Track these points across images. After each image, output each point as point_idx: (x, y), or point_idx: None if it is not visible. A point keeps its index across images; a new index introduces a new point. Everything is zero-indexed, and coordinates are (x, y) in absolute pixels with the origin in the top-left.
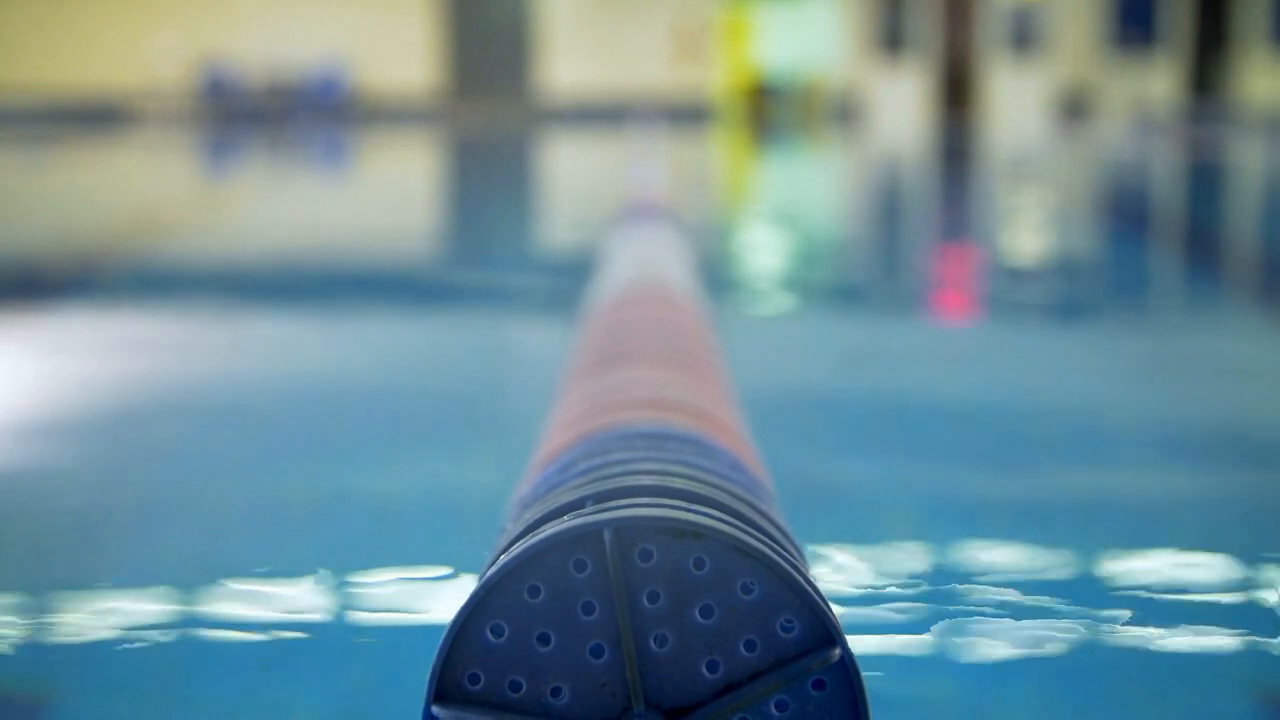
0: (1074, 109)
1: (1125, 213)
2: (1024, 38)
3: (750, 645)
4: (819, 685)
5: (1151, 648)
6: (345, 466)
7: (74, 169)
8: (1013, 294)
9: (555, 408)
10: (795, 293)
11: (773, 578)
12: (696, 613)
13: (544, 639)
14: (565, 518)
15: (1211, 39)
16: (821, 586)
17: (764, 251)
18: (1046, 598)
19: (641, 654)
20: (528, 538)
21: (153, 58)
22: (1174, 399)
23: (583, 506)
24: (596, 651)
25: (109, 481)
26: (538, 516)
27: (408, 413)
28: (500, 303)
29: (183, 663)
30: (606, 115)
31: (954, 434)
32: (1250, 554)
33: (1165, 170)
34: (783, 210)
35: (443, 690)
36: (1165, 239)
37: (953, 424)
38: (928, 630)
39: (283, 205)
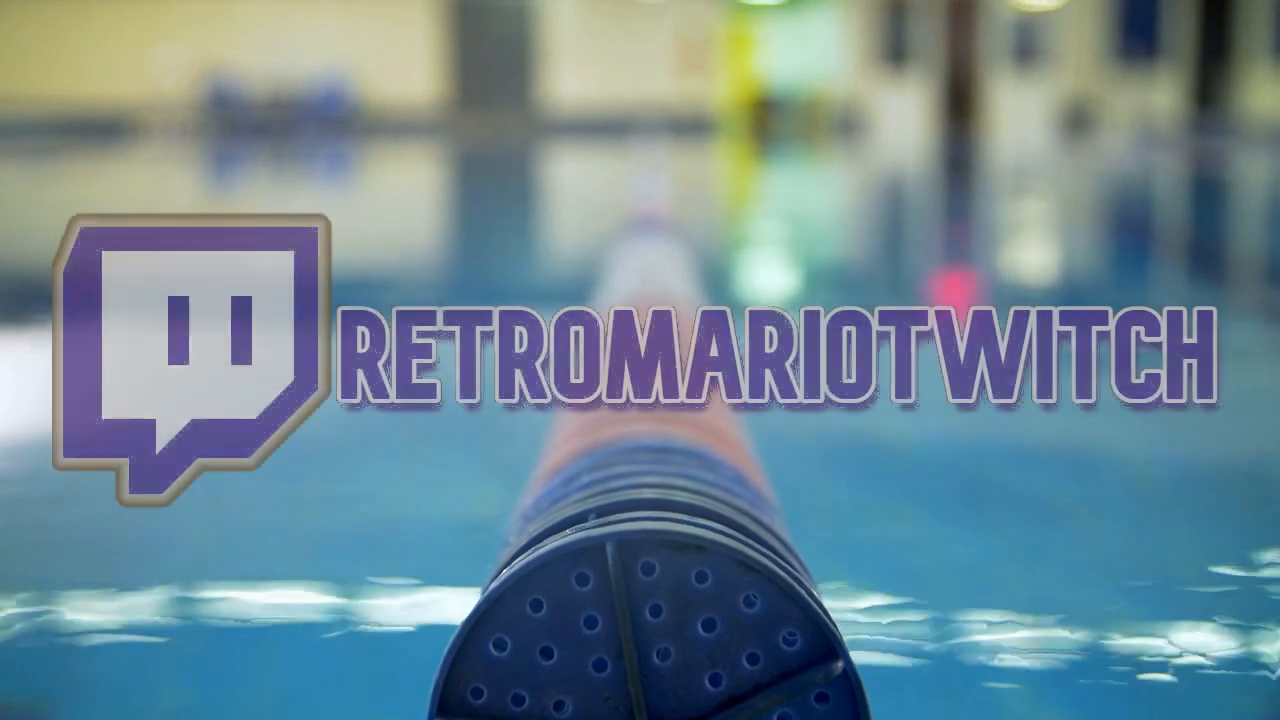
0: (1077, 121)
1: (1130, 226)
2: (1027, 50)
3: (753, 659)
4: (822, 699)
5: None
6: (349, 478)
7: (78, 181)
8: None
9: (558, 419)
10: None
11: (775, 591)
12: (699, 626)
13: (547, 653)
14: (568, 531)
15: (1214, 52)
16: (824, 599)
17: (766, 268)
18: (1050, 617)
19: (644, 668)
20: (530, 551)
21: (157, 70)
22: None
23: (585, 520)
24: (599, 665)
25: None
26: (540, 530)
27: (410, 422)
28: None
29: (182, 674)
30: (610, 127)
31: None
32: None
33: (1169, 183)
34: (786, 224)
35: (445, 704)
36: (1170, 252)
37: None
38: (930, 644)
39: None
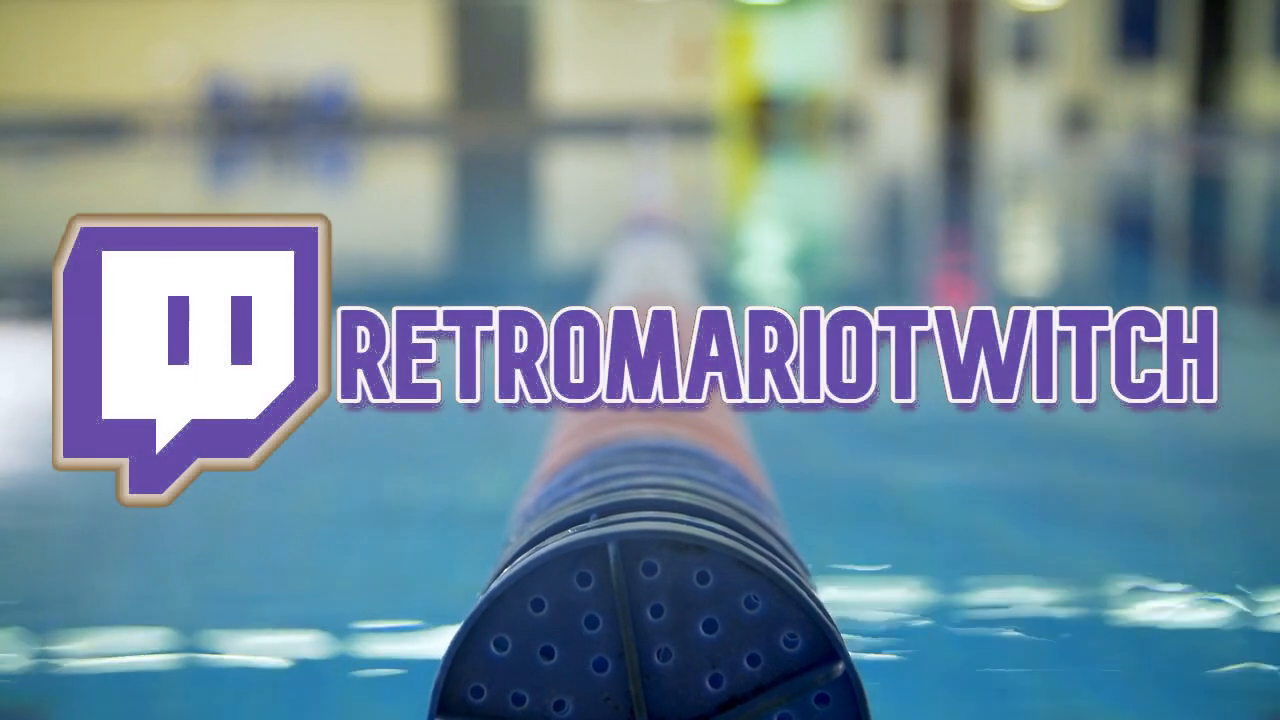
0: (1077, 121)
1: (1129, 226)
2: (1027, 50)
3: (754, 660)
4: (822, 700)
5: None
6: (348, 481)
7: (78, 181)
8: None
9: (557, 420)
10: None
11: (776, 592)
12: (700, 627)
13: (547, 652)
14: (569, 531)
15: (1214, 51)
16: (825, 601)
17: (766, 268)
18: (1046, 624)
19: (645, 668)
20: (531, 551)
21: (156, 69)
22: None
23: (587, 520)
24: (600, 665)
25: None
26: (541, 530)
27: (408, 426)
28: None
29: (181, 675)
30: (609, 127)
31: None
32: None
33: (1169, 183)
34: (785, 224)
35: (446, 703)
36: (1170, 252)
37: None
38: (932, 645)
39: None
